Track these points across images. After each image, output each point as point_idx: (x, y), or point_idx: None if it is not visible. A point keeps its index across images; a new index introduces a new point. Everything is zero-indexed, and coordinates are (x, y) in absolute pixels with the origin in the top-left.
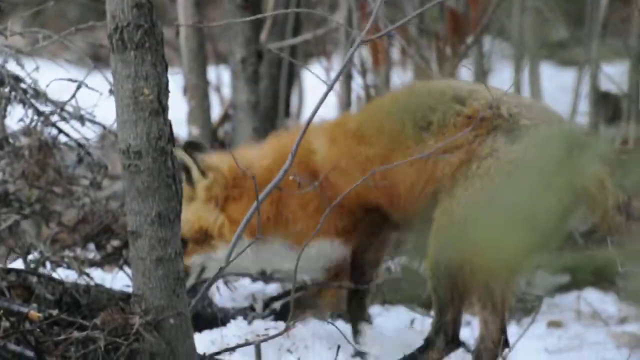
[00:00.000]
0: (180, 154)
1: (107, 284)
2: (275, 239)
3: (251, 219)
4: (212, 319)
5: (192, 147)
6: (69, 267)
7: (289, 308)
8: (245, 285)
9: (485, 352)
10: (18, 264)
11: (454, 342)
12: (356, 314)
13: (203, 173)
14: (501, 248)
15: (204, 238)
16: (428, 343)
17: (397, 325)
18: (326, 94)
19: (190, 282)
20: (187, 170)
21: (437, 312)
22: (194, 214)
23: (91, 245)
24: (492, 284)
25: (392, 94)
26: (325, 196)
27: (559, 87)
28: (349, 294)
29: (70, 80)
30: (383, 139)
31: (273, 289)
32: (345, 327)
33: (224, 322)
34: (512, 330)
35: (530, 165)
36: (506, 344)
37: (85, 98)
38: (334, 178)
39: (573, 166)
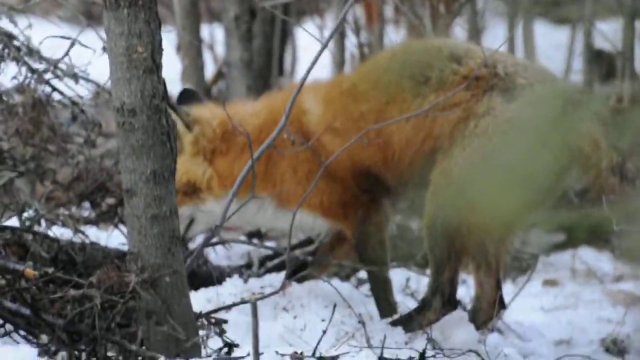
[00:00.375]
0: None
1: (102, 242)
2: (262, 197)
3: (246, 176)
4: (208, 277)
5: (186, 95)
6: (64, 225)
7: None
8: (240, 245)
9: (481, 312)
10: (13, 222)
11: (451, 303)
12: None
13: (188, 127)
14: (497, 206)
15: (192, 191)
16: (424, 303)
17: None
18: (320, 53)
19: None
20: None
21: (433, 272)
22: (182, 166)
23: (86, 203)
24: (487, 243)
25: (387, 51)
26: (318, 158)
27: (552, 45)
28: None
29: (63, 37)
30: (379, 93)
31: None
32: (340, 285)
33: (219, 280)
34: (508, 289)
35: (526, 124)
36: (502, 303)
37: (79, 56)
38: (328, 140)
39: (568, 125)
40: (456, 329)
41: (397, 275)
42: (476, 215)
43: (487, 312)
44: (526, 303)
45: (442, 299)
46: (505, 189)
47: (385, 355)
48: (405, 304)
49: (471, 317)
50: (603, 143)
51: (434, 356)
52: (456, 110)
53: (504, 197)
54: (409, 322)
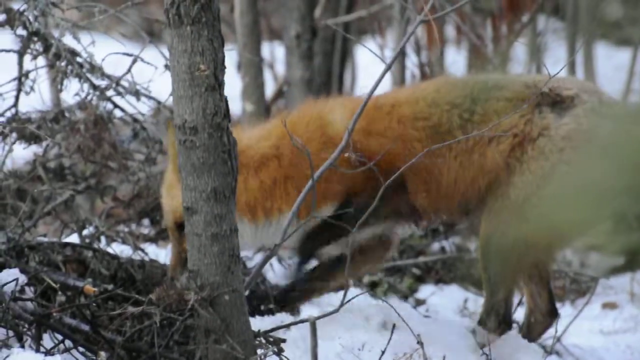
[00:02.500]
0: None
1: (162, 260)
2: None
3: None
4: (266, 296)
5: None
6: (123, 242)
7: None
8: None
9: (536, 324)
10: (73, 239)
11: (506, 322)
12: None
13: None
14: (557, 223)
15: None
16: (480, 324)
17: (451, 305)
18: (385, 72)
19: None
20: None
21: (488, 292)
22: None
23: (146, 221)
24: (539, 256)
25: (431, 83)
26: (360, 161)
27: (613, 67)
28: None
29: (125, 54)
30: (426, 125)
31: None
32: (399, 305)
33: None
34: (567, 312)
35: (582, 137)
36: (555, 313)
37: (141, 73)
38: (367, 145)
39: (631, 139)
40: (516, 352)
41: (455, 296)
42: (533, 234)
43: (543, 323)
44: (585, 326)
45: (497, 318)
46: (566, 205)
47: None
48: (463, 325)
49: (525, 331)
50: None
51: None
52: (507, 139)
53: (563, 213)
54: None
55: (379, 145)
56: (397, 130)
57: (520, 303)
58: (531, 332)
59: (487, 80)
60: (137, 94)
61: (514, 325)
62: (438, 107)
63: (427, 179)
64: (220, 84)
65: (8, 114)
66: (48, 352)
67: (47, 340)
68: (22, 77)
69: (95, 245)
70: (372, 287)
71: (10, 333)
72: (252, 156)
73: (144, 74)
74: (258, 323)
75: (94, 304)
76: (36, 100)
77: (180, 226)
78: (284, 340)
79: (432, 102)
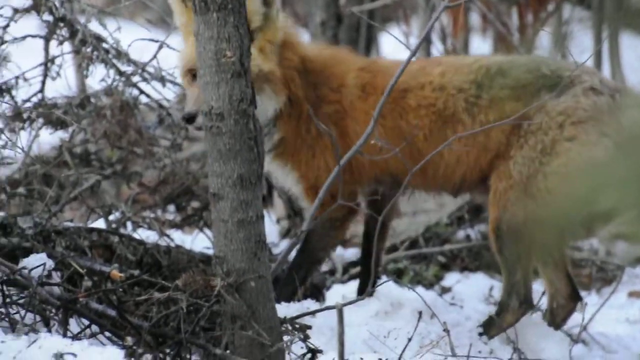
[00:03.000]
0: None
1: (188, 246)
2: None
3: (333, 181)
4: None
5: None
6: (149, 227)
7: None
8: None
9: (559, 309)
10: (99, 224)
11: (527, 303)
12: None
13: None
14: (560, 200)
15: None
16: (502, 306)
17: (476, 292)
18: (409, 59)
19: None
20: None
21: (506, 274)
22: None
23: (171, 207)
24: (551, 237)
25: (439, 66)
26: (334, 147)
27: (638, 57)
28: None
29: (151, 40)
30: (428, 108)
31: (352, 253)
32: (425, 293)
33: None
34: (593, 300)
35: (583, 115)
36: (577, 296)
37: (166, 58)
38: (357, 128)
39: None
40: (542, 341)
41: (481, 284)
42: (539, 210)
43: (566, 306)
44: (611, 315)
45: (519, 298)
46: (565, 180)
47: None
48: (489, 312)
49: (549, 317)
50: None
51: None
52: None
53: (564, 188)
54: (490, 327)
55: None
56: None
57: (544, 292)
58: (555, 318)
59: (490, 66)
60: (162, 80)
61: (538, 312)
62: (444, 92)
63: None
64: (246, 71)
65: (34, 99)
66: (75, 337)
67: (73, 325)
68: (48, 62)
69: (122, 231)
70: (398, 275)
71: (38, 318)
72: None
73: (170, 59)
74: (284, 310)
75: (120, 289)
76: (62, 86)
77: (193, 75)
78: (310, 327)
79: (440, 85)
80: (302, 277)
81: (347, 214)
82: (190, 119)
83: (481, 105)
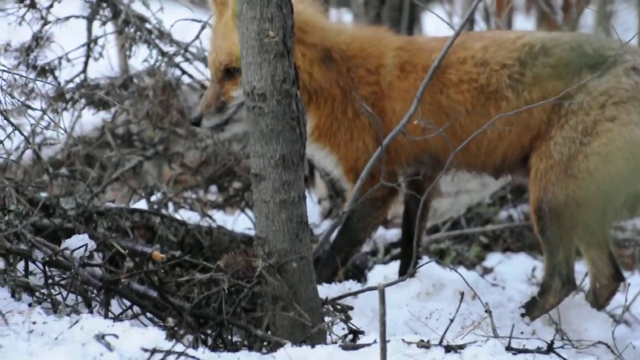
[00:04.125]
0: None
1: (229, 226)
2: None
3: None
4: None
5: None
6: (191, 208)
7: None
8: None
9: (602, 289)
10: (141, 205)
11: (570, 283)
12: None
13: None
14: (602, 180)
15: None
16: (544, 287)
17: (518, 273)
18: (453, 39)
19: (228, 113)
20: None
21: (548, 255)
22: None
23: (213, 187)
24: (593, 217)
25: (481, 41)
26: (376, 123)
27: None
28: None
29: (194, 20)
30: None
31: (393, 234)
32: (466, 274)
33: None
34: (636, 280)
35: (625, 95)
36: (620, 276)
37: (209, 39)
38: (397, 107)
39: None
40: (585, 321)
41: (523, 265)
42: (580, 191)
43: (608, 286)
44: None
45: (561, 279)
46: (606, 162)
47: (513, 345)
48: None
49: (592, 298)
50: None
51: (562, 347)
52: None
53: (606, 171)
54: (532, 308)
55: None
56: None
57: (587, 273)
58: (598, 299)
59: (533, 44)
60: (205, 60)
61: (581, 293)
62: (487, 67)
63: (465, 137)
64: (289, 51)
65: (77, 80)
66: (116, 318)
67: (115, 306)
68: (90, 43)
69: (163, 212)
70: (440, 256)
71: (79, 299)
72: None
73: None
74: (325, 290)
75: (161, 270)
76: (105, 67)
77: (227, 71)
78: (351, 308)
79: (483, 61)
80: (343, 258)
81: (388, 194)
82: (195, 123)
83: (525, 82)
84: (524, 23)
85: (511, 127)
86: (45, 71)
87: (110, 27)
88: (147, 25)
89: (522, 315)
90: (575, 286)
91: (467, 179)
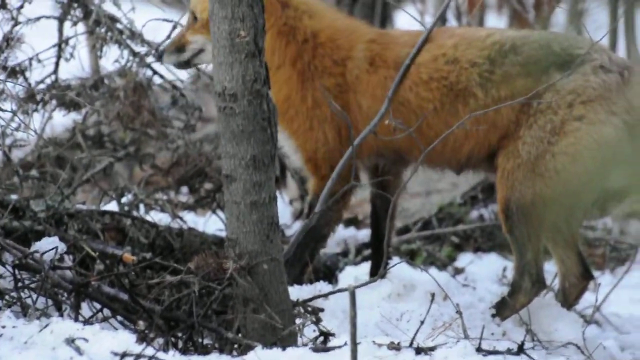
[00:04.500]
0: None
1: (200, 228)
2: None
3: (346, 161)
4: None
5: None
6: (162, 210)
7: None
8: (337, 232)
9: (571, 288)
10: (112, 207)
11: (540, 282)
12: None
13: None
14: (569, 179)
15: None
16: (514, 287)
17: (489, 273)
18: (425, 38)
19: (185, 56)
20: None
21: (517, 254)
22: None
23: (184, 189)
24: (560, 216)
25: (450, 38)
26: (344, 118)
27: None
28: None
29: (165, 20)
30: (440, 83)
31: (364, 235)
32: (437, 274)
33: (316, 269)
34: (607, 280)
35: (592, 93)
36: (589, 275)
37: None
38: (365, 104)
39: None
40: (555, 322)
41: (494, 265)
42: (548, 190)
43: (577, 285)
44: (625, 295)
45: (531, 278)
46: (572, 161)
47: (483, 346)
48: (502, 293)
49: (562, 297)
50: None
51: (532, 348)
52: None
53: (572, 169)
54: (503, 308)
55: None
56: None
57: (557, 274)
58: (567, 298)
59: (503, 42)
60: None
61: (551, 293)
62: (457, 65)
63: (432, 135)
64: (260, 51)
65: (48, 80)
66: (87, 321)
67: (85, 309)
68: (61, 43)
69: (134, 213)
70: (411, 256)
71: (49, 302)
72: None
73: None
74: (296, 292)
75: (132, 273)
76: (76, 67)
77: (193, 17)
78: (322, 310)
79: (453, 58)
80: (310, 255)
81: (347, 189)
82: (158, 58)
83: (494, 80)
84: (496, 21)
85: (479, 127)
86: (15, 72)
87: (81, 27)
88: (119, 26)
89: (493, 315)
90: (545, 285)
91: (437, 178)
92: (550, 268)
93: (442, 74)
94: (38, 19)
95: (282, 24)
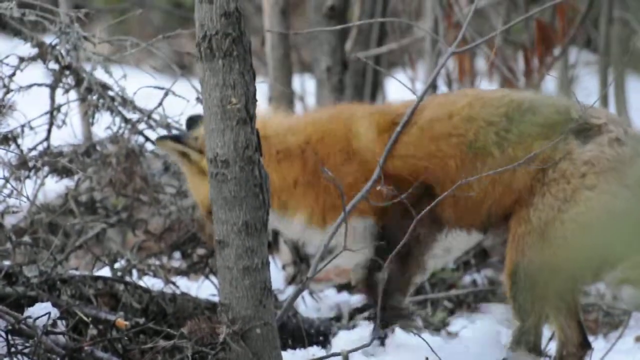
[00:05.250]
0: (171, 145)
1: (193, 293)
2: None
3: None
4: (297, 329)
5: (195, 121)
6: (155, 275)
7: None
8: (330, 296)
9: (568, 357)
10: (105, 272)
11: (536, 351)
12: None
13: (201, 151)
14: (576, 248)
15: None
16: (509, 354)
17: (483, 338)
18: (416, 105)
19: None
20: (185, 155)
21: (517, 320)
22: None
23: (177, 254)
24: (566, 286)
25: (462, 98)
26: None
27: None
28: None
29: (157, 87)
30: (455, 140)
31: (358, 299)
32: (431, 339)
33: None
34: (600, 345)
35: (606, 165)
36: (587, 345)
37: (172, 106)
38: (392, 165)
39: None
40: None
41: (488, 329)
42: (556, 257)
43: (575, 355)
44: None
45: (527, 346)
46: (583, 228)
47: None
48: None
49: None
50: None
51: None
52: (535, 162)
53: (581, 236)
54: None
55: (405, 164)
56: (429, 147)
57: (552, 337)
58: None
59: (521, 101)
60: (168, 127)
61: (547, 358)
62: (474, 123)
63: (457, 192)
64: (251, 118)
65: (40, 147)
66: None
67: None
68: (54, 110)
69: (127, 279)
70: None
71: None
72: (275, 145)
73: (176, 107)
74: (289, 357)
75: (125, 338)
76: (68, 134)
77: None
78: None
79: (466, 117)
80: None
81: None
82: None
83: (510, 139)
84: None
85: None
86: (7, 139)
87: (73, 94)
88: (110, 93)
89: None
90: (541, 353)
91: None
92: (545, 332)
93: (460, 131)
94: (30, 86)
95: (275, 153)
